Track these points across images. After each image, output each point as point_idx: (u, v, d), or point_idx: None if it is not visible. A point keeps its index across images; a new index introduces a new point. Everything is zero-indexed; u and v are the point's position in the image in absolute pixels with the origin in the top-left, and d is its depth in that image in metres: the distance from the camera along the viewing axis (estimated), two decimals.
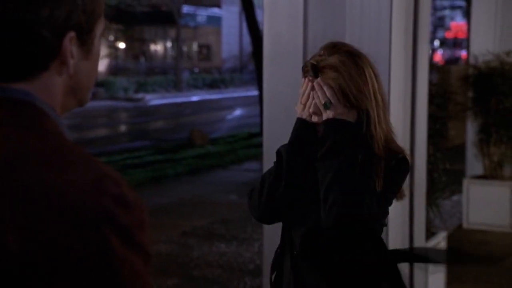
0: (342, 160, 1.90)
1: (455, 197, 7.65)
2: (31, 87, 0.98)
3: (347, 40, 3.28)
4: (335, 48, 1.99)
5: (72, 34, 0.98)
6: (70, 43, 0.98)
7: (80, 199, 0.88)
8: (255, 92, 17.71)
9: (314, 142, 2.01)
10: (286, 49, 3.48)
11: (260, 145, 3.62)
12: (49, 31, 0.96)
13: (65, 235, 0.87)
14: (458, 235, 6.41)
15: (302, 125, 2.03)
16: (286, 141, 2.11)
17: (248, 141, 13.17)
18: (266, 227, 3.68)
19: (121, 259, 0.89)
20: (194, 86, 29.61)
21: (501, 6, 6.78)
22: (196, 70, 33.45)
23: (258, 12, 14.06)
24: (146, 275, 0.93)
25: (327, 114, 1.96)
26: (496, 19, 6.78)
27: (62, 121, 1.02)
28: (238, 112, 21.13)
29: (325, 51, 2.00)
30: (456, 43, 43.13)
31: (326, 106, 1.95)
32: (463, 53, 36.29)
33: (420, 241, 3.88)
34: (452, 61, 34.95)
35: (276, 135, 2.96)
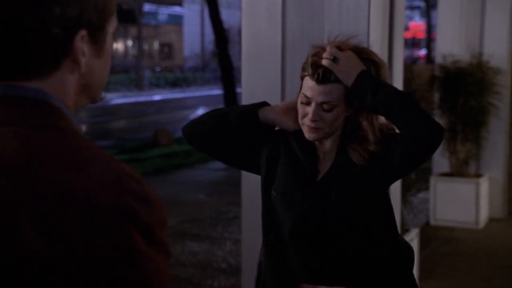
0: (388, 88, 1.98)
1: (421, 194, 7.75)
2: (43, 85, 0.96)
3: (325, 38, 3.30)
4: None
5: (83, 32, 0.97)
6: (81, 42, 0.97)
7: (101, 197, 0.87)
8: (217, 91, 17.67)
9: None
10: (264, 47, 3.49)
11: None
12: (60, 29, 0.95)
13: (87, 234, 0.86)
14: (426, 232, 6.50)
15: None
16: None
17: None
18: (244, 226, 3.67)
19: (145, 257, 0.88)
20: (156, 85, 29.39)
21: (466, 7, 6.90)
22: (158, 69, 33.20)
23: (220, 10, 14.09)
24: (167, 273, 0.93)
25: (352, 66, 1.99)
26: (461, 19, 6.89)
27: (76, 119, 1.02)
28: (201, 111, 21.04)
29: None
30: (414, 43, 43.70)
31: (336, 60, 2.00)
32: (421, 53, 36.80)
33: None
34: (411, 60, 35.36)
35: None
